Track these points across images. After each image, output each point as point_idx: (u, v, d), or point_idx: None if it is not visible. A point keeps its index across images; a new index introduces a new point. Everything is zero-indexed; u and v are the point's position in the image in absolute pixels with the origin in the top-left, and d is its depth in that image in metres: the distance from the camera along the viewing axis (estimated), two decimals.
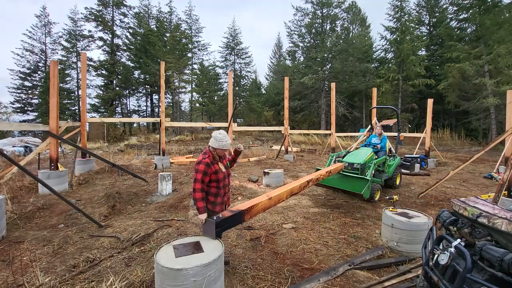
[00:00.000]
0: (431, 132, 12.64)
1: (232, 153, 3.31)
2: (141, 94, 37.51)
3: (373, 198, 5.64)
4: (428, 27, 33.58)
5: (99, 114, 33.76)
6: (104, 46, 33.64)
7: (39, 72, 32.71)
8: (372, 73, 32.58)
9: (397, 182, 7.12)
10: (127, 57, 35.17)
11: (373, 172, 5.76)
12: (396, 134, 21.85)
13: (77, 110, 32.70)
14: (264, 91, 44.27)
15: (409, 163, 8.04)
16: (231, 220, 2.86)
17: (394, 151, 7.59)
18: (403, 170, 8.66)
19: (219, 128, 30.28)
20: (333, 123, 14.36)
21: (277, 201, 3.66)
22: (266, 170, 7.81)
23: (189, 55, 37.10)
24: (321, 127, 31.39)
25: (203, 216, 2.72)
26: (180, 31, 35.74)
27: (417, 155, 11.32)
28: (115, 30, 34.01)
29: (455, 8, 28.20)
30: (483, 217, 1.78)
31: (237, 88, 39.01)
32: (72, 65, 33.75)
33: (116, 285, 2.66)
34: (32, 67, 32.20)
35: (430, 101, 12.28)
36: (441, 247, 1.99)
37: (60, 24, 57.09)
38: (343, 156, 6.38)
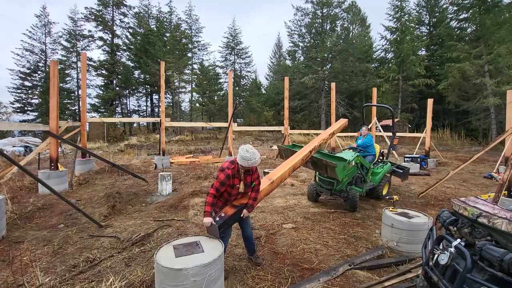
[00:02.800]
0: (431, 132, 12.64)
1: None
2: (141, 94, 37.53)
3: (356, 208, 5.09)
4: (428, 27, 33.58)
5: (99, 114, 33.78)
6: (104, 46, 33.65)
7: (39, 72, 32.70)
8: (372, 73, 32.57)
9: (384, 192, 6.09)
10: (127, 57, 35.20)
11: (353, 162, 4.97)
12: (397, 134, 21.85)
13: (77, 110, 32.71)
14: (264, 91, 44.26)
15: (401, 171, 6.58)
16: (236, 216, 2.86)
17: (385, 156, 6.50)
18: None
19: (219, 128, 30.37)
20: (333, 123, 14.35)
21: (280, 181, 3.51)
22: (266, 170, 7.81)
23: (189, 55, 37.10)
24: (321, 127, 31.38)
25: (207, 219, 2.71)
26: (180, 31, 35.73)
27: (417, 155, 11.33)
28: (115, 30, 34.01)
29: (455, 8, 28.19)
30: (483, 217, 1.78)
31: (237, 88, 39.01)
32: (72, 65, 33.75)
33: (116, 285, 2.66)
34: (32, 67, 32.19)
35: (430, 101, 12.29)
36: (441, 247, 1.98)
37: (60, 24, 57.24)
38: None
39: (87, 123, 11.07)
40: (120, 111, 36.67)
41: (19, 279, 2.81)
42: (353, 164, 4.98)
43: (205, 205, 2.77)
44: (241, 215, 2.96)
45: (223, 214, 2.77)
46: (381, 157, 6.30)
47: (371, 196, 5.94)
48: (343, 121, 5.34)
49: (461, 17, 27.84)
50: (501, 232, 1.66)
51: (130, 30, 34.91)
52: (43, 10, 32.98)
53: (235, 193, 2.94)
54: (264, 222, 4.64)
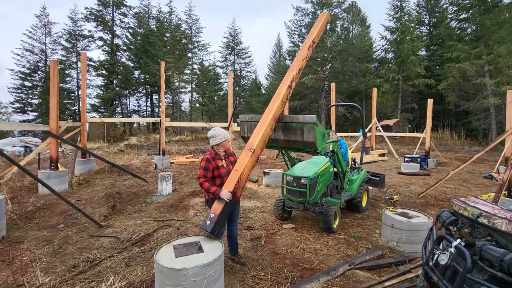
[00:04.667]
0: (431, 132, 12.64)
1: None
2: (141, 94, 37.57)
3: (331, 227, 4.14)
4: (428, 27, 33.60)
5: (99, 114, 33.80)
6: (104, 46, 33.68)
7: (39, 72, 32.72)
8: (372, 73, 32.62)
9: (363, 203, 5.30)
10: (127, 57, 35.24)
11: (330, 145, 4.08)
12: (395, 134, 21.73)
13: (77, 110, 32.73)
14: (264, 91, 44.28)
15: (377, 178, 5.91)
16: (226, 210, 2.73)
17: (358, 163, 5.79)
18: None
19: None
20: (333, 123, 14.36)
21: (263, 146, 3.16)
22: (266, 170, 7.82)
23: (189, 55, 37.15)
24: None
25: (225, 193, 2.70)
26: (180, 31, 35.78)
27: (417, 155, 11.32)
28: (115, 30, 34.04)
29: (455, 8, 28.22)
30: (483, 217, 1.78)
31: (237, 88, 39.05)
32: (72, 65, 33.78)
33: (116, 285, 2.66)
34: (32, 67, 32.21)
35: (430, 101, 12.29)
36: (441, 247, 1.98)
37: (60, 24, 57.23)
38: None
39: (87, 123, 11.07)
40: (120, 111, 36.69)
41: (19, 279, 2.81)
42: (330, 148, 4.23)
43: (210, 190, 2.76)
44: (236, 202, 2.83)
45: (212, 215, 2.66)
46: (353, 164, 5.67)
47: (350, 208, 5.20)
48: (323, 17, 3.97)
49: (461, 17, 27.88)
50: (501, 232, 1.65)
51: (130, 30, 34.96)
52: (43, 10, 33.02)
53: (224, 173, 2.97)
54: (264, 222, 4.64)
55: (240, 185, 2.84)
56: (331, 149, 4.21)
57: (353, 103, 6.04)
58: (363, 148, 5.97)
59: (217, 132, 2.96)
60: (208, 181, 2.85)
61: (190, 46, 36.89)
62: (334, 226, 4.19)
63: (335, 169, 4.62)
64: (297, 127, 3.37)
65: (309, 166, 4.42)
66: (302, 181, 4.09)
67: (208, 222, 2.61)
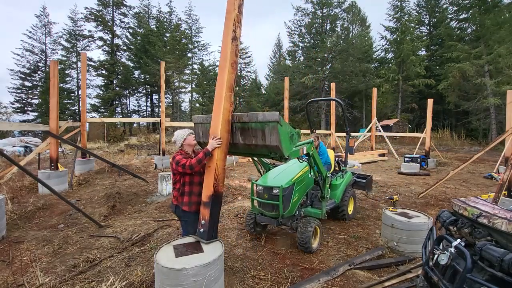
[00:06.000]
0: (431, 132, 12.65)
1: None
2: (141, 94, 37.59)
3: (309, 247, 3.46)
4: (428, 27, 33.63)
5: (99, 114, 33.81)
6: (104, 46, 33.69)
7: (39, 72, 32.73)
8: (372, 73, 32.64)
9: (350, 211, 4.78)
10: (127, 57, 35.25)
11: (304, 148, 3.17)
12: (395, 134, 21.74)
13: (77, 110, 32.74)
14: (264, 91, 44.33)
15: (364, 180, 5.35)
16: (215, 211, 2.65)
17: (343, 165, 5.18)
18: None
19: None
20: (333, 123, 14.37)
21: (228, 126, 2.74)
22: None
23: (189, 55, 37.17)
24: (321, 127, 31.39)
25: (213, 143, 2.59)
26: (180, 31, 35.80)
27: (417, 155, 11.33)
28: (115, 30, 34.05)
29: (455, 8, 28.25)
30: (483, 217, 1.78)
31: (237, 88, 38.97)
32: (72, 65, 33.79)
33: (116, 285, 2.66)
34: (32, 67, 32.22)
35: (430, 101, 12.30)
36: (441, 247, 1.98)
37: (60, 24, 57.28)
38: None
39: (87, 123, 11.07)
40: (120, 111, 36.69)
41: (19, 279, 2.81)
42: (304, 151, 3.25)
43: (202, 161, 2.58)
44: (221, 200, 2.75)
45: (203, 222, 2.59)
46: (337, 166, 5.14)
47: (335, 217, 4.67)
48: None
49: (461, 17, 27.91)
50: (501, 232, 1.65)
51: (130, 30, 34.98)
52: (43, 10, 33.03)
53: (197, 170, 2.73)
54: None
55: (218, 181, 2.66)
56: (305, 152, 3.31)
57: (333, 98, 5.46)
58: (347, 148, 5.23)
59: (177, 135, 2.93)
60: (189, 157, 2.74)
61: (190, 46, 36.92)
62: (314, 245, 3.55)
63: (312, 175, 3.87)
64: (257, 127, 2.66)
65: (283, 173, 3.80)
66: (274, 191, 3.46)
67: (202, 230, 2.57)
